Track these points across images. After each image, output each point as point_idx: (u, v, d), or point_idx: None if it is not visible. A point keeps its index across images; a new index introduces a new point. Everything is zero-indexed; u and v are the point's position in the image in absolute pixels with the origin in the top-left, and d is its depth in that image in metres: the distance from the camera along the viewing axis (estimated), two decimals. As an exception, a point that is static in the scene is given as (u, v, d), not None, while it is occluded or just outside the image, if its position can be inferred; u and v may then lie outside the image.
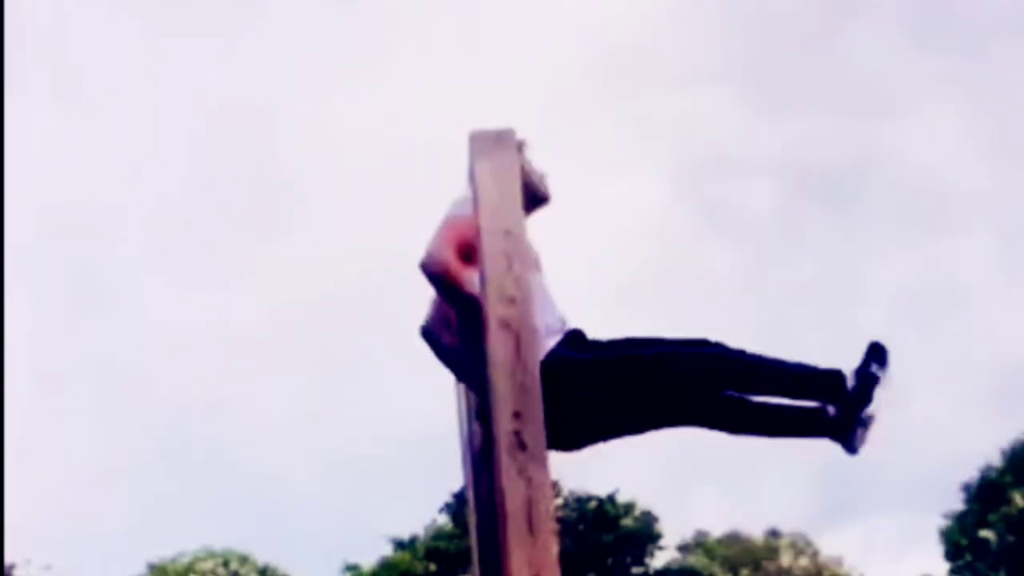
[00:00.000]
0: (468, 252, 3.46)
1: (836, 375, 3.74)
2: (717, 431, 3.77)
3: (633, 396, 3.60)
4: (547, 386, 3.03)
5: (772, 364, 3.72)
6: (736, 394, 3.70)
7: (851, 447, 3.81)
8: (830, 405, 3.76)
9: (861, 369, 3.76)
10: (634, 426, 3.73)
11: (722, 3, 63.31)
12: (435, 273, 3.52)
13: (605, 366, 3.56)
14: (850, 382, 3.73)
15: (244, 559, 37.81)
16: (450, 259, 3.51)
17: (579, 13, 61.29)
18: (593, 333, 3.74)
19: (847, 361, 3.76)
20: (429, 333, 3.84)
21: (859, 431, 3.76)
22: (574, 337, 3.69)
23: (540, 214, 3.91)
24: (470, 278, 3.45)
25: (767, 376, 3.72)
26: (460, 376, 4.02)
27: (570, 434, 3.57)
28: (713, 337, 3.73)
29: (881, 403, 3.74)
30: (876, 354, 3.77)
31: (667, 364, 3.59)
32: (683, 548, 38.07)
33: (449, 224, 3.55)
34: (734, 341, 3.75)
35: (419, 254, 3.56)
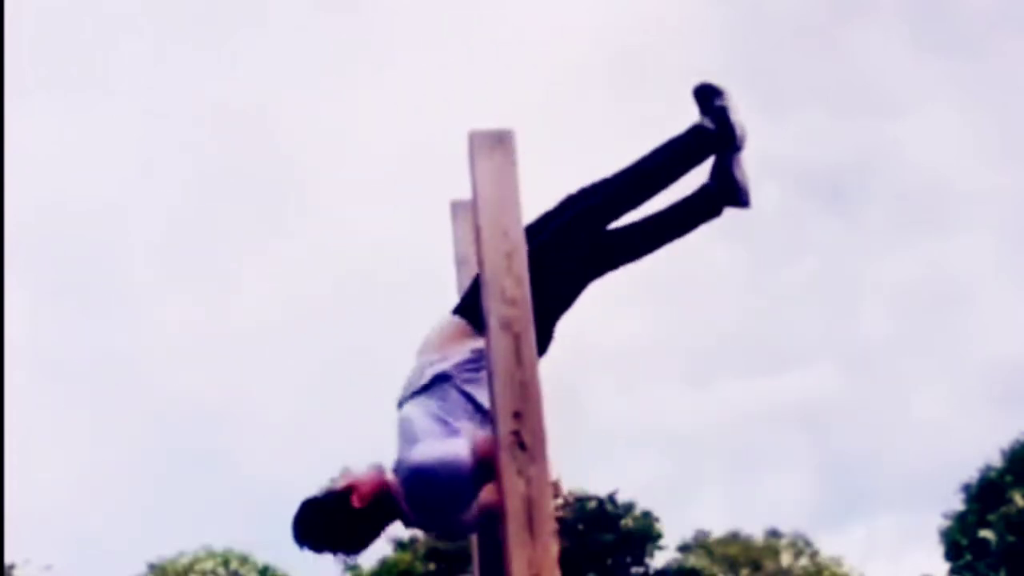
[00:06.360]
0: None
1: (695, 131, 3.74)
2: (635, 262, 3.86)
3: (554, 271, 3.64)
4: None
5: (638, 173, 3.72)
6: (621, 225, 3.78)
7: (743, 199, 3.85)
8: (709, 157, 3.78)
9: (707, 110, 3.75)
10: (576, 285, 3.78)
11: (723, 3, 63.34)
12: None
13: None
14: (709, 126, 3.74)
15: (244, 559, 37.81)
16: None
17: (580, 13, 61.34)
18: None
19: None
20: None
21: (739, 175, 3.79)
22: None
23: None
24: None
25: (641, 187, 3.73)
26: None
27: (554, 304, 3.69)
28: (575, 188, 3.76)
29: (743, 126, 3.76)
30: (706, 92, 3.79)
31: (552, 250, 3.64)
32: (683, 548, 38.06)
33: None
34: (597, 174, 3.76)
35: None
